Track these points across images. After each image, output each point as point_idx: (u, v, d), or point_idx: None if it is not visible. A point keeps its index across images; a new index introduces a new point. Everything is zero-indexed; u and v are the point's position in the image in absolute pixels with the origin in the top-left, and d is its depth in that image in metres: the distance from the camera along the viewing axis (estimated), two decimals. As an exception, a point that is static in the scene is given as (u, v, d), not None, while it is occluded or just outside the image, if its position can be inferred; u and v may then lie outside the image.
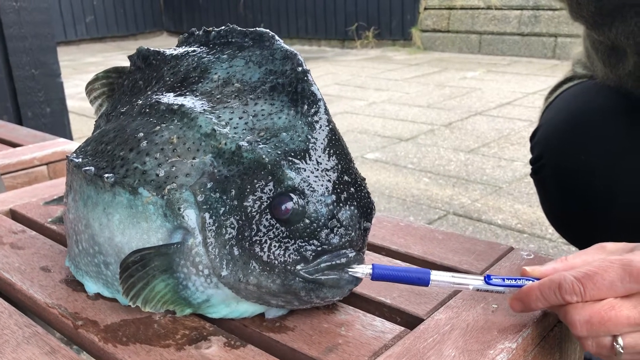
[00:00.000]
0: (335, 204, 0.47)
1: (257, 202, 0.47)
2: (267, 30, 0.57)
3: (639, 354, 0.45)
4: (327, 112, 0.50)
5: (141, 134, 0.53)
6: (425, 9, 5.58)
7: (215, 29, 0.61)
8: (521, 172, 2.25)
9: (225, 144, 0.49)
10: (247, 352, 0.47)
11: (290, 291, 0.47)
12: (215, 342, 0.49)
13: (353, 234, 0.47)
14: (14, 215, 0.81)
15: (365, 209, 0.49)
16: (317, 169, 0.47)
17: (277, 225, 0.46)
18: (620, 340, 0.44)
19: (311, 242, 0.46)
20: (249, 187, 0.47)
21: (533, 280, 0.48)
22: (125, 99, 0.63)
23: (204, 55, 0.60)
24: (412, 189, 2.15)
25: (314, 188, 0.46)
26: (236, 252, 0.47)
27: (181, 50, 0.62)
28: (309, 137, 0.48)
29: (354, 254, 0.47)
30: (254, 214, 0.47)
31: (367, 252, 0.62)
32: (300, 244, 0.46)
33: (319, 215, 0.46)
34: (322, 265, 0.46)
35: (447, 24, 5.43)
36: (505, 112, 3.17)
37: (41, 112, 2.18)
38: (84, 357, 0.55)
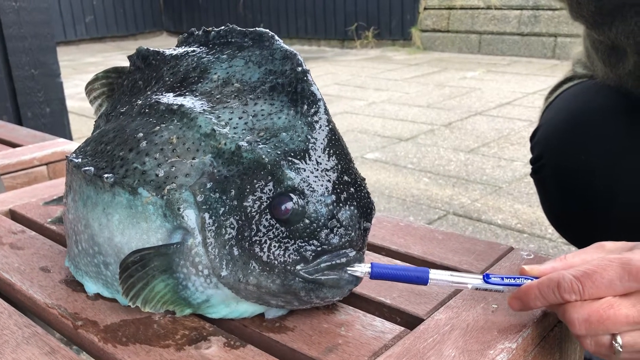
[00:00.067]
0: (335, 204, 0.47)
1: (256, 202, 0.47)
2: (267, 30, 0.57)
3: (638, 352, 0.45)
4: (326, 112, 0.50)
5: (141, 134, 0.53)
6: (425, 8, 5.58)
7: (215, 29, 0.61)
8: (521, 172, 2.25)
9: (225, 144, 0.49)
10: (247, 352, 0.47)
11: (290, 291, 0.47)
12: (215, 342, 0.49)
13: (353, 234, 0.47)
14: (13, 215, 0.81)
15: (365, 209, 0.49)
16: (317, 169, 0.47)
17: (277, 225, 0.46)
18: (619, 338, 0.44)
19: (311, 242, 0.46)
20: (248, 187, 0.47)
21: (532, 279, 0.48)
22: (124, 99, 0.63)
23: (204, 55, 0.60)
24: (412, 189, 2.15)
25: (313, 188, 0.46)
26: (236, 252, 0.47)
27: (181, 50, 0.62)
28: (309, 137, 0.48)
29: (354, 253, 0.47)
30: (254, 214, 0.47)
31: (367, 252, 0.62)
32: (300, 244, 0.46)
33: (318, 215, 0.46)
34: (322, 265, 0.46)
35: (446, 24, 5.43)
36: (505, 112, 3.17)
37: (41, 112, 2.18)
38: (83, 357, 0.55)
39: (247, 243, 0.46)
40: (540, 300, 0.47)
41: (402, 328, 0.49)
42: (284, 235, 0.46)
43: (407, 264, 0.61)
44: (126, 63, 0.69)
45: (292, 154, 0.47)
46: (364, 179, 0.50)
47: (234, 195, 0.47)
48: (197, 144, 0.50)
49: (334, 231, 0.46)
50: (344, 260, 0.47)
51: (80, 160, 0.56)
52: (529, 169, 1.00)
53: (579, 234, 0.94)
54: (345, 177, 0.48)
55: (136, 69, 0.65)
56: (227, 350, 0.48)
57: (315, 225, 0.46)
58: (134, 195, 0.50)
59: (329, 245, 0.46)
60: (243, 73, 0.56)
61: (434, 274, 0.49)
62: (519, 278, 0.49)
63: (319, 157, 0.48)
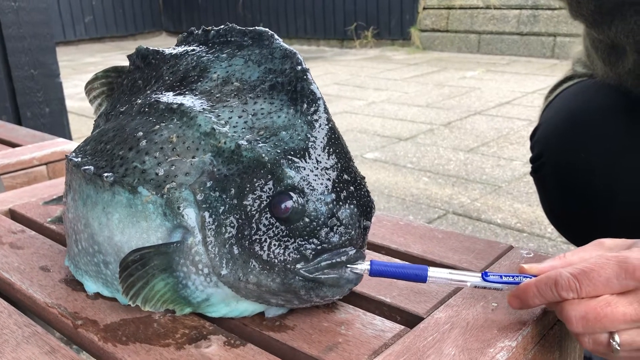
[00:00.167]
0: (335, 202, 0.47)
1: (256, 200, 0.47)
2: (267, 29, 0.57)
3: (637, 350, 0.45)
4: (326, 110, 0.50)
5: (140, 133, 0.53)
6: (424, 8, 5.58)
7: (215, 28, 0.61)
8: (520, 172, 2.25)
9: (225, 142, 0.49)
10: (247, 351, 0.47)
11: (290, 290, 0.47)
12: (215, 341, 0.49)
13: (353, 232, 0.47)
14: (13, 215, 0.81)
15: (365, 207, 0.49)
16: (317, 168, 0.47)
17: (277, 224, 0.46)
18: (616, 337, 0.44)
19: (311, 240, 0.46)
20: (248, 185, 0.47)
21: (530, 277, 0.48)
22: (124, 99, 0.63)
23: (203, 55, 0.60)
24: (412, 189, 2.15)
25: (313, 187, 0.46)
26: (236, 251, 0.47)
27: (180, 49, 0.62)
28: (309, 135, 0.48)
29: (354, 252, 0.47)
30: (254, 212, 0.47)
31: (367, 251, 0.62)
32: (300, 242, 0.46)
33: (318, 213, 0.46)
34: (322, 263, 0.46)
35: (446, 24, 5.43)
36: (505, 111, 3.17)
37: (40, 112, 2.18)
38: (83, 356, 0.55)
39: (247, 242, 0.46)
40: (538, 298, 0.47)
41: (402, 326, 0.49)
42: (284, 233, 0.46)
43: (407, 263, 0.61)
44: (126, 63, 0.69)
45: (292, 153, 0.47)
46: (364, 178, 0.50)
47: (233, 194, 0.47)
48: (197, 143, 0.50)
49: (334, 230, 0.46)
50: (344, 258, 0.47)
51: (79, 159, 0.56)
52: (528, 168, 1.00)
53: (578, 233, 0.94)
54: (345, 176, 0.48)
55: (136, 68, 0.65)
56: (227, 349, 0.48)
57: (315, 223, 0.46)
58: (133, 194, 0.50)
59: (329, 243, 0.46)
60: (243, 72, 0.56)
61: (433, 272, 0.49)
62: (517, 276, 0.49)
63: (319, 155, 0.48)
